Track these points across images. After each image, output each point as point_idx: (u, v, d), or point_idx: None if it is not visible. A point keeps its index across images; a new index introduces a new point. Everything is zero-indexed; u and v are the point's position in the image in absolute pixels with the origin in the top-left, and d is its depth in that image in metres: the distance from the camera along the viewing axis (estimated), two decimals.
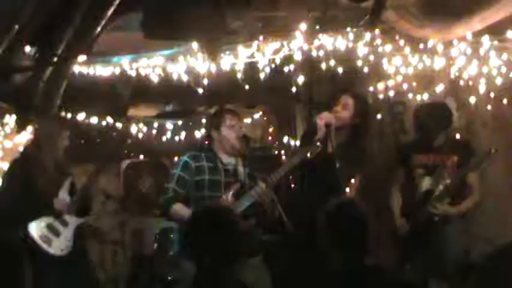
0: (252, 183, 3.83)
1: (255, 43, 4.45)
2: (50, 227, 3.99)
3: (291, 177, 4.75)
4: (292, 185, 5.19)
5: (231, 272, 2.35)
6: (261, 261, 3.78)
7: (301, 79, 4.60)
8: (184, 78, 4.63)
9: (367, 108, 4.30)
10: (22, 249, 2.14)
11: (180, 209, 3.70)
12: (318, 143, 3.84)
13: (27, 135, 4.83)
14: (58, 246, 3.98)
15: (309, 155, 3.79)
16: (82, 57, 4.59)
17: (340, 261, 2.52)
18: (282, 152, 5.92)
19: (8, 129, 5.20)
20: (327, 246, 2.55)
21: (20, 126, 4.93)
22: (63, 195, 4.11)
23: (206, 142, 4.00)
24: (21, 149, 4.52)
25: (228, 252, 2.37)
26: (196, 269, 2.38)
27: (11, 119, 5.05)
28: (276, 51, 4.43)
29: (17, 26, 4.11)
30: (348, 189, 4.06)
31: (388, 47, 4.29)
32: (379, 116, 5.01)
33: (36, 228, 3.93)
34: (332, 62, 4.37)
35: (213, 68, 4.51)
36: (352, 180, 4.20)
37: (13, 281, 2.01)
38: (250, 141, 4.11)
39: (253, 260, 3.69)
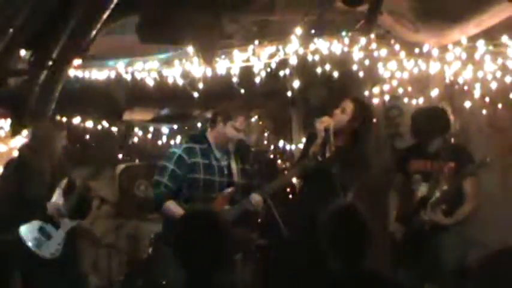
0: (245, 181, 3.82)
1: (251, 47, 4.45)
2: (42, 229, 3.99)
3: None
4: (289, 190, 5.19)
5: (220, 276, 2.34)
6: (240, 258, 3.74)
7: (296, 83, 4.60)
8: (180, 82, 4.63)
9: (368, 114, 4.28)
10: (12, 251, 2.14)
11: (173, 207, 3.64)
12: (318, 157, 3.85)
13: (22, 139, 4.81)
14: (48, 249, 3.97)
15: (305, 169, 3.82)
16: (77, 61, 4.58)
17: (338, 266, 2.52)
18: (278, 156, 5.93)
19: (2, 133, 5.19)
20: (326, 250, 2.55)
21: (15, 130, 4.91)
22: (57, 198, 4.10)
23: (204, 130, 3.94)
24: (16, 152, 4.51)
25: (218, 258, 2.36)
26: (185, 272, 2.36)
27: (6, 123, 5.04)
28: (272, 56, 4.44)
29: (11, 30, 4.09)
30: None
31: (384, 52, 4.29)
32: (374, 120, 5.01)
33: (28, 231, 3.93)
34: (327, 66, 4.37)
35: (209, 72, 4.51)
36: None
37: (1, 283, 2.00)
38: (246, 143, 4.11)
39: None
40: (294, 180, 4.66)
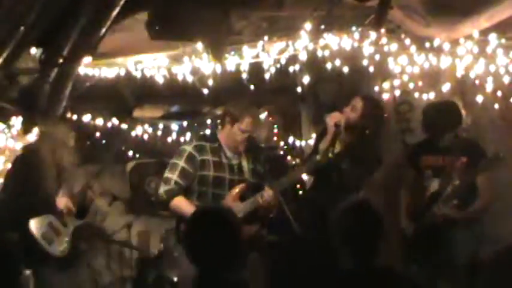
0: (256, 180, 3.82)
1: (260, 43, 4.44)
2: (51, 225, 4.01)
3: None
4: (299, 186, 5.18)
5: (231, 273, 2.35)
6: (256, 256, 3.75)
7: (306, 79, 4.59)
8: (189, 79, 4.63)
9: (378, 112, 4.27)
10: (19, 249, 2.14)
11: (182, 203, 3.66)
12: (328, 153, 3.85)
13: (33, 136, 4.84)
14: (58, 246, 3.99)
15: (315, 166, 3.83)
16: (87, 59, 4.59)
17: (351, 262, 2.51)
18: (287, 152, 5.91)
19: (14, 131, 5.22)
20: (339, 246, 2.54)
21: (27, 128, 4.94)
22: (64, 195, 4.13)
23: (214, 129, 3.96)
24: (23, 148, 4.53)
25: (229, 255, 2.36)
26: (196, 270, 2.37)
27: (17, 121, 5.06)
28: (281, 51, 4.42)
29: (22, 28, 4.11)
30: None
31: (394, 46, 4.26)
32: (385, 116, 4.98)
33: (38, 226, 3.94)
34: (337, 62, 4.35)
35: (218, 69, 4.50)
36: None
37: (8, 281, 2.01)
38: (256, 142, 4.12)
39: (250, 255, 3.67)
40: (304, 176, 4.65)
